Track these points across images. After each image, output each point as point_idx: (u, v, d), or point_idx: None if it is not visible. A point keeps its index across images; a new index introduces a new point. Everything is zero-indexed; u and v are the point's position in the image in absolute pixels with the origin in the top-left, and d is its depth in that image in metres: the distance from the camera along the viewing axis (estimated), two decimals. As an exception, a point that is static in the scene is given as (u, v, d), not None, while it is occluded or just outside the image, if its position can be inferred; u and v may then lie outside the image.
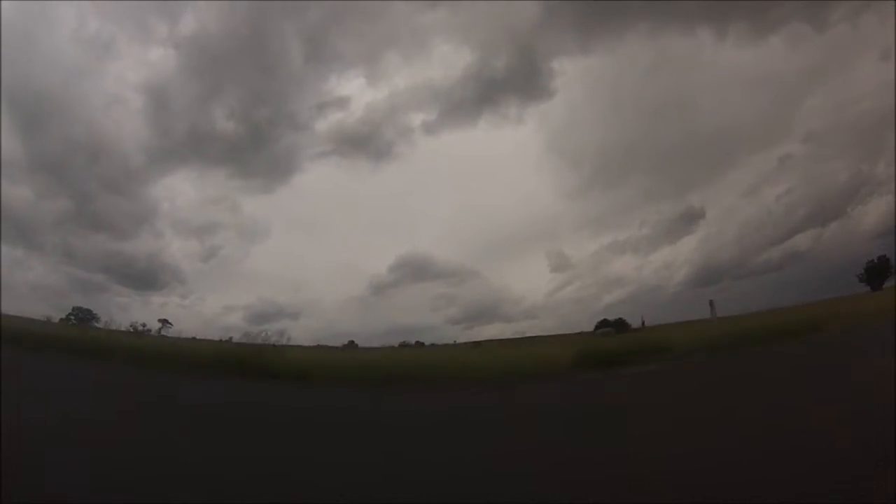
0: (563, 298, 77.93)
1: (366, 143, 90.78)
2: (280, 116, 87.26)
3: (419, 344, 47.10)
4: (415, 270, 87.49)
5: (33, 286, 60.66)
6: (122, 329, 23.62)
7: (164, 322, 44.04)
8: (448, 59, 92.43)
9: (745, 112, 77.53)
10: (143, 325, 28.74)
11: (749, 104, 78.60)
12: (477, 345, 44.16)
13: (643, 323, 53.44)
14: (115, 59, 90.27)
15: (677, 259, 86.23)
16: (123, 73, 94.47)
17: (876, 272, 56.67)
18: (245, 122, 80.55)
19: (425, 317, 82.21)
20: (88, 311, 43.02)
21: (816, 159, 70.51)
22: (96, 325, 32.40)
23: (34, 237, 76.74)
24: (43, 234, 72.52)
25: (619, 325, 53.43)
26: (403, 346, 43.76)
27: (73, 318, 40.36)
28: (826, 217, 68.49)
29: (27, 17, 72.55)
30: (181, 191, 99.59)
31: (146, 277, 79.02)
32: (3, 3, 66.56)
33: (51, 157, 70.92)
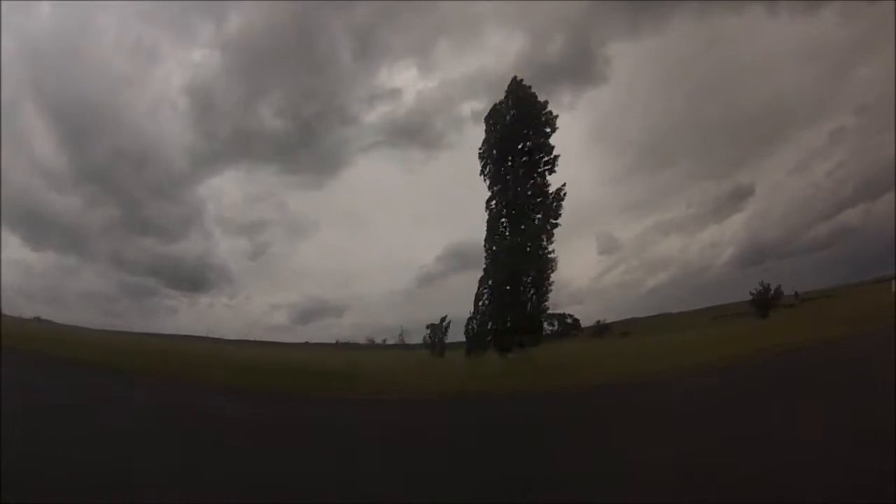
0: (609, 282, 76.25)
1: (416, 133, 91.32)
2: (329, 110, 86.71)
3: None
4: (463, 260, 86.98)
5: (84, 294, 61.57)
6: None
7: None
8: (500, 47, 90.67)
9: (796, 87, 75.46)
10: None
11: (800, 79, 76.37)
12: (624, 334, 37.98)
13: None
14: (159, 64, 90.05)
15: (723, 238, 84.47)
16: (168, 77, 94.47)
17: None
18: (293, 119, 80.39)
19: (469, 306, 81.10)
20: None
21: (869, 132, 67.46)
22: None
23: (84, 246, 78.07)
24: (92, 243, 74.22)
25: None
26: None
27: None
28: (877, 190, 65.00)
29: (69, 29, 72.81)
30: (228, 190, 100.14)
31: (194, 279, 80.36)
32: (44, 15, 67.50)
33: (98, 166, 71.81)
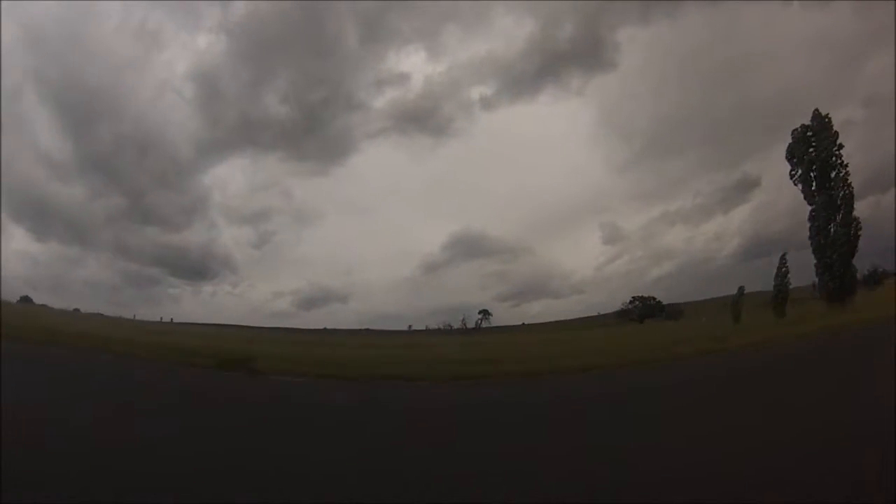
0: (612, 272, 76.81)
1: (424, 119, 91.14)
2: (336, 96, 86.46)
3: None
4: (468, 248, 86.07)
5: (88, 283, 64.11)
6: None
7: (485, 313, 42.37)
8: (509, 31, 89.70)
9: (806, 78, 73.88)
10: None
11: (811, 70, 74.76)
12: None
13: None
14: (162, 50, 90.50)
15: (728, 230, 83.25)
16: (172, 63, 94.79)
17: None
18: (299, 105, 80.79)
19: (474, 295, 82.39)
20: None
21: (879, 124, 66.07)
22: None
23: (87, 235, 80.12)
24: (96, 232, 76.29)
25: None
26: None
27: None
28: (886, 183, 64.06)
29: (72, 14, 72.90)
30: (233, 179, 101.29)
31: (198, 268, 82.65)
32: (47, 3, 67.65)
33: (101, 155, 73.67)
